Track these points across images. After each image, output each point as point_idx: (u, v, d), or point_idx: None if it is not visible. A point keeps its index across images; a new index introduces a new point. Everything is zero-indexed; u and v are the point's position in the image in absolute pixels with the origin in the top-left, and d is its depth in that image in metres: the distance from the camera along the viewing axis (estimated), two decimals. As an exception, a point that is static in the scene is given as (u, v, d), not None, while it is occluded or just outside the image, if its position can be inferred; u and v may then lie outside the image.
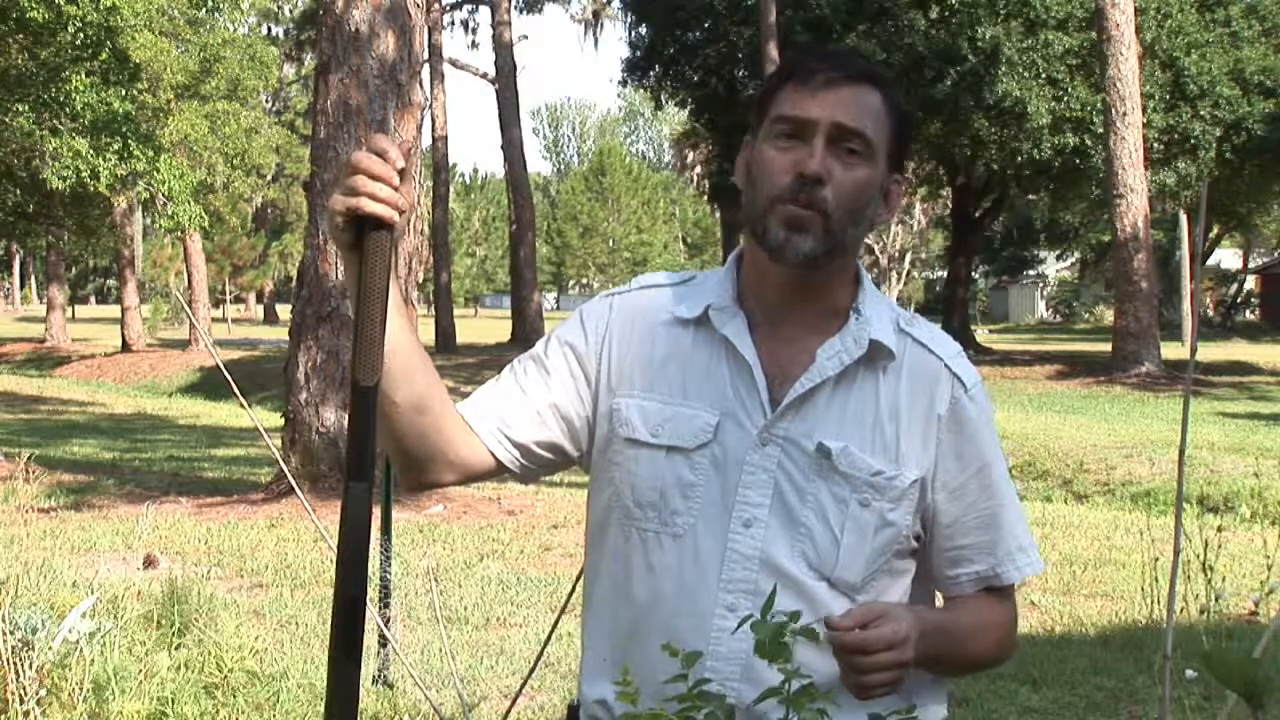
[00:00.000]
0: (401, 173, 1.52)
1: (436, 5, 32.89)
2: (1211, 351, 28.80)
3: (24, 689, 3.98)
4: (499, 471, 1.76)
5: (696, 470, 1.68)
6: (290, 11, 46.56)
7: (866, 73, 1.68)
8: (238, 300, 65.82)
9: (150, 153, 18.73)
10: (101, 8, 17.76)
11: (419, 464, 1.71)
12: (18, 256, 69.86)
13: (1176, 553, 1.77)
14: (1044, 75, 25.95)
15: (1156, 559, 6.36)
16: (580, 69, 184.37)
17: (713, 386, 1.69)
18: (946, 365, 1.72)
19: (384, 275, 1.48)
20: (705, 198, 47.81)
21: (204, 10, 25.01)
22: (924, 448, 1.69)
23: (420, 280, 11.06)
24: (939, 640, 1.65)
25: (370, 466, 1.45)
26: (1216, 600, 6.20)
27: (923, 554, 1.74)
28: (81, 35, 18.14)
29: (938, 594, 1.81)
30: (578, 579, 1.90)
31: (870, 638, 1.53)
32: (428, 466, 1.71)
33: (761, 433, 1.67)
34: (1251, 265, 57.46)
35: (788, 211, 1.64)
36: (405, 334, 1.63)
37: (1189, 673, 5.05)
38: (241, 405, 3.06)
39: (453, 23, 39.67)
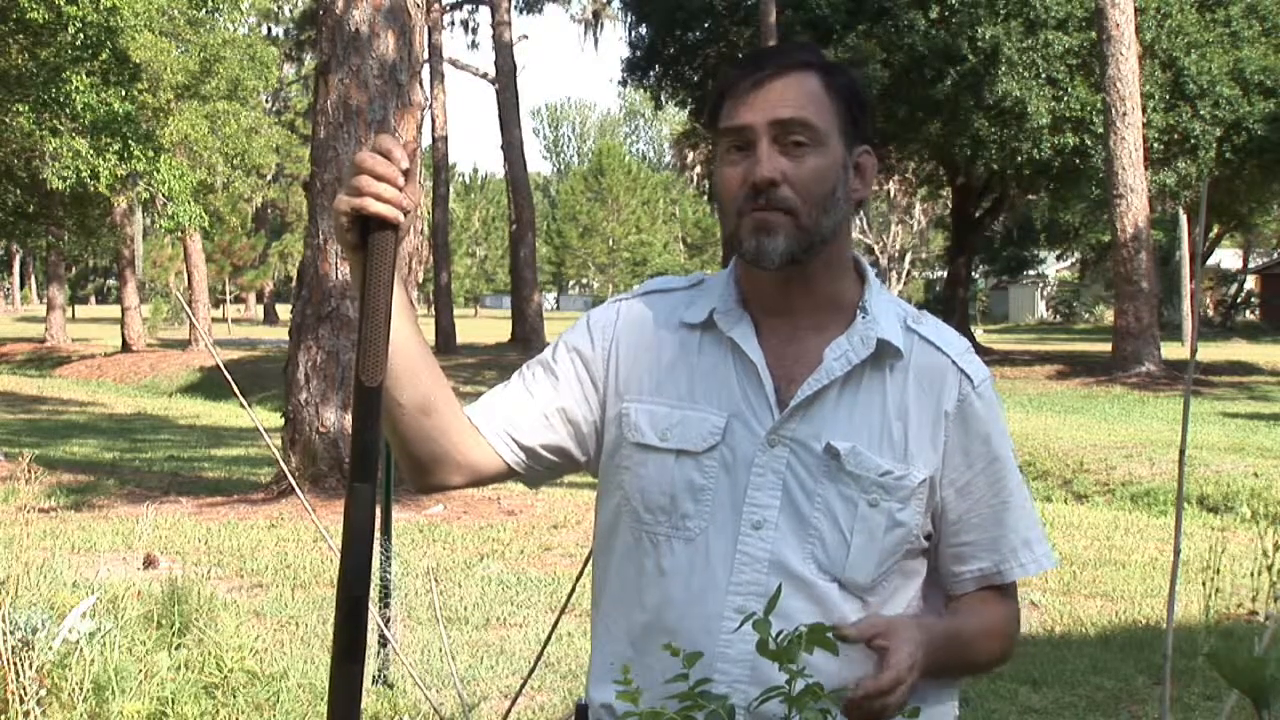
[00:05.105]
0: (406, 173, 1.52)
1: (436, 5, 32.85)
2: (1211, 351, 28.79)
3: (24, 689, 3.97)
4: (507, 475, 1.75)
5: (706, 473, 1.67)
6: (290, 11, 46.53)
7: (798, 61, 1.66)
8: (238, 300, 65.85)
9: (150, 153, 18.75)
10: (101, 8, 17.76)
11: (426, 466, 1.71)
12: (18, 256, 69.87)
13: (1177, 553, 1.78)
14: (1044, 75, 25.93)
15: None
16: (580, 69, 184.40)
17: (720, 389, 1.69)
18: (954, 362, 1.71)
19: (388, 275, 1.47)
20: (705, 198, 47.79)
21: (204, 10, 25.00)
22: (932, 446, 1.68)
23: (420, 280, 11.06)
24: (946, 649, 1.65)
25: (374, 468, 1.44)
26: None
27: (931, 552, 1.73)
28: (81, 35, 18.15)
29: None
30: (577, 579, 1.90)
31: (879, 686, 1.51)
32: (435, 469, 1.71)
33: (770, 434, 1.66)
34: (1251, 265, 57.44)
35: (754, 219, 1.63)
36: (410, 335, 1.63)
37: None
38: (241, 405, 3.06)
39: (453, 23, 39.64)
